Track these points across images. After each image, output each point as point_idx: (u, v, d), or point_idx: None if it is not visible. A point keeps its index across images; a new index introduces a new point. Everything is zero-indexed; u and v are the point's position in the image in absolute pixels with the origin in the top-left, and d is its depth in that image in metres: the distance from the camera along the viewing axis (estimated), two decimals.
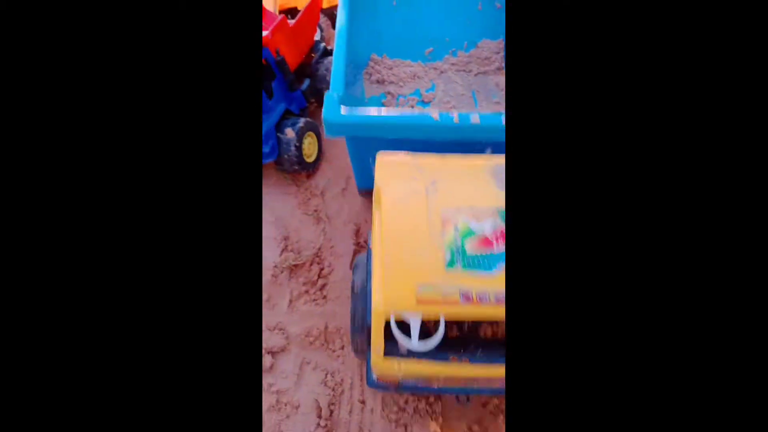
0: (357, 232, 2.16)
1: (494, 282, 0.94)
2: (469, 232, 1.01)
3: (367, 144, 1.44)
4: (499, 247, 0.98)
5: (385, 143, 1.25)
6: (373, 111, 1.37)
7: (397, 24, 2.09)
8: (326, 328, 1.80)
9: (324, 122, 1.39)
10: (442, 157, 1.18)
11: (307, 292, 1.88)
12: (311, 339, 1.77)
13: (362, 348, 1.32)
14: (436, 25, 2.03)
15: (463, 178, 1.14)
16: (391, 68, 2.11)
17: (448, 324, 1.04)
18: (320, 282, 1.91)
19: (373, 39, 2.17)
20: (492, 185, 1.09)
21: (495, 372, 1.04)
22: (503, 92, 1.90)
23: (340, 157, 2.53)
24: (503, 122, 1.21)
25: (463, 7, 2.00)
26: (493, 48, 1.98)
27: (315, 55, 2.52)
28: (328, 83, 2.52)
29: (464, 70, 2.02)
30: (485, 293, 0.94)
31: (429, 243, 0.99)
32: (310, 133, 2.28)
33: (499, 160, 1.15)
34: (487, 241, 1.00)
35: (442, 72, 2.03)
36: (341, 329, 1.79)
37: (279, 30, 2.04)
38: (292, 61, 2.26)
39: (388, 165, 1.16)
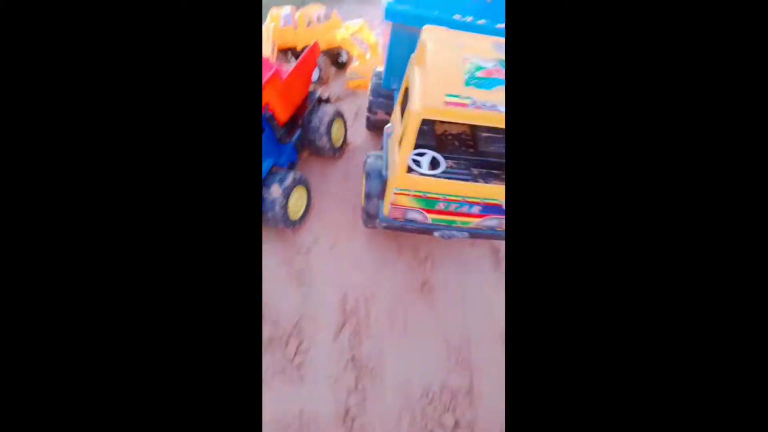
0: (344, 299, 2.00)
1: (491, 95, 1.59)
2: (480, 67, 1.71)
3: (407, 39, 2.23)
4: (497, 77, 1.68)
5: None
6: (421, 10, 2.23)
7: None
8: (301, 413, 1.62)
9: (386, 9, 2.16)
10: (465, 33, 1.95)
11: (282, 370, 1.71)
12: (284, 425, 1.59)
13: (374, 213, 2.04)
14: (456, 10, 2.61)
15: (478, 43, 1.88)
16: None
17: (455, 148, 2.10)
18: (297, 360, 1.74)
19: None
20: (495, 51, 1.84)
21: (483, 190, 1.78)
22: None
23: (329, 211, 2.40)
24: None
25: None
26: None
27: (309, 106, 2.43)
28: (321, 135, 2.47)
29: None
30: (485, 102, 1.56)
31: (455, 71, 1.67)
32: (300, 187, 2.16)
33: (501, 41, 1.96)
34: (490, 72, 1.70)
35: None
36: (318, 416, 1.61)
37: (270, 84, 1.94)
38: (283, 114, 2.16)
39: (432, 29, 1.92)
